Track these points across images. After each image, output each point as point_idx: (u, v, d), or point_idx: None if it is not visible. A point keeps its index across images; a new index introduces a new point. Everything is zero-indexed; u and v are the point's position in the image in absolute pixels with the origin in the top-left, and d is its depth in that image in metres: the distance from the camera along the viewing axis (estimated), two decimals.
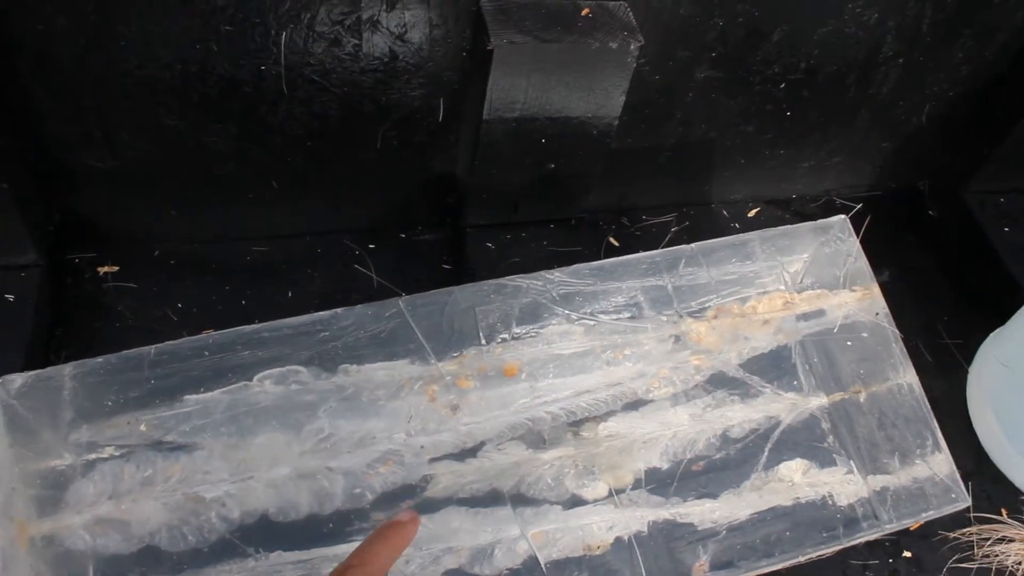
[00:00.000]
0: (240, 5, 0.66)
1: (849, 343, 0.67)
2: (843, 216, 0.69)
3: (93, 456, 0.56)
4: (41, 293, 0.75)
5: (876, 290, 0.67)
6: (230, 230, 0.83)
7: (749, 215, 0.95)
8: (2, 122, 0.69)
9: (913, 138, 0.94)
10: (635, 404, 0.63)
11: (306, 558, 0.57)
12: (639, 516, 0.62)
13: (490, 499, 0.60)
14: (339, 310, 0.60)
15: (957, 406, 0.87)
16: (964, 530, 0.81)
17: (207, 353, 0.58)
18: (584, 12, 0.69)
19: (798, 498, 0.64)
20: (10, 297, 0.74)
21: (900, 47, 0.83)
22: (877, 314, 0.66)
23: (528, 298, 0.62)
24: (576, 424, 0.62)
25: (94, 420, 0.56)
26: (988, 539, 0.80)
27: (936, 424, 0.65)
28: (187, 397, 0.57)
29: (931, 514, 0.66)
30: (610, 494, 0.62)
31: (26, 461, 0.55)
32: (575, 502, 0.61)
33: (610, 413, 0.62)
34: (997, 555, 0.80)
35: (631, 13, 0.71)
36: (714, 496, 0.63)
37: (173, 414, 0.57)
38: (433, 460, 0.59)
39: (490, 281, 0.62)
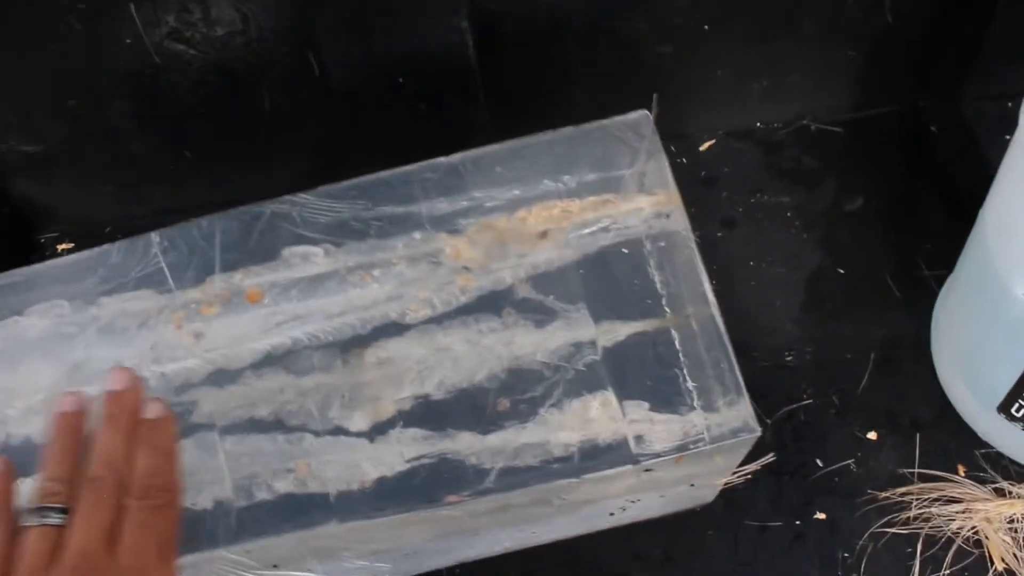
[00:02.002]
0: None
1: (645, 258, 0.58)
2: (643, 111, 0.60)
3: None
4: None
5: (675, 193, 0.58)
6: (166, 203, 0.88)
7: (701, 149, 0.85)
8: None
9: (884, 43, 0.79)
10: (396, 328, 0.59)
11: None
12: (400, 452, 0.57)
13: (251, 427, 0.59)
14: (106, 246, 0.62)
15: (925, 348, 0.72)
16: (899, 489, 0.67)
17: None
18: None
19: (594, 436, 0.56)
20: None
21: None
22: (668, 216, 0.57)
23: (269, 223, 0.60)
24: (345, 350, 0.59)
25: None
26: (929, 500, 0.66)
27: (736, 365, 0.55)
28: None
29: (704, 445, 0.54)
30: (373, 426, 0.58)
31: None
32: (338, 433, 0.59)
33: (372, 338, 0.59)
34: (935, 519, 0.65)
35: None
36: (489, 432, 0.57)
37: None
38: (190, 387, 0.59)
39: (238, 208, 0.61)
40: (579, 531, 0.66)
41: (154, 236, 0.62)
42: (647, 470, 0.54)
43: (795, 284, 0.76)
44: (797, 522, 0.67)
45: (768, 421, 0.70)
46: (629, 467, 0.54)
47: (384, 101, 0.76)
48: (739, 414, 0.55)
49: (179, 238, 0.62)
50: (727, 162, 0.83)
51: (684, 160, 0.84)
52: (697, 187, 0.82)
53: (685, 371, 0.56)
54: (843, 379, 0.72)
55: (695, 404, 0.55)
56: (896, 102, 0.85)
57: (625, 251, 0.57)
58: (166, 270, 0.61)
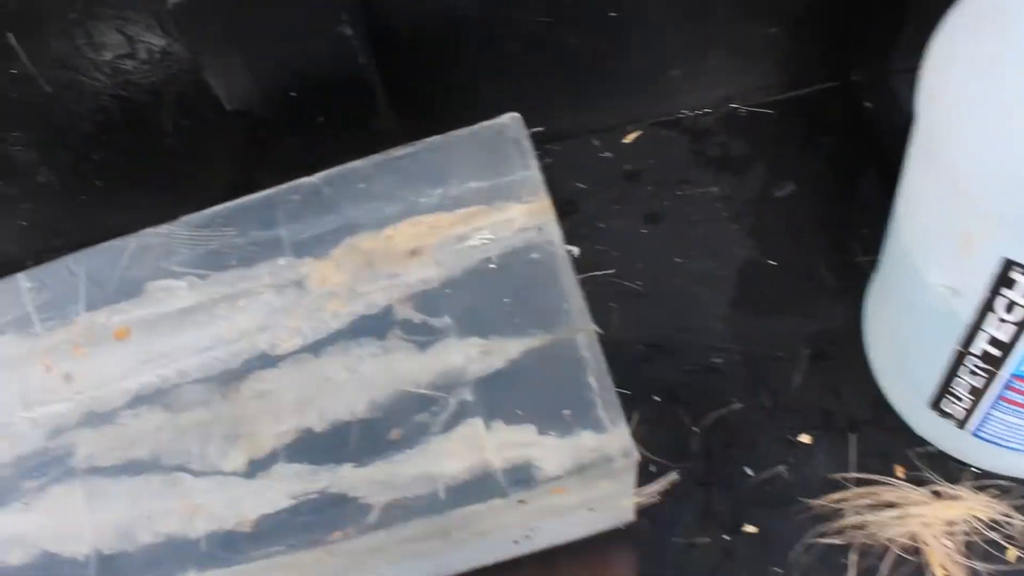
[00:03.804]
0: None
1: (517, 273, 0.53)
2: (513, 114, 0.55)
3: None
4: None
5: (547, 202, 0.53)
6: (83, 233, 0.83)
7: (625, 141, 0.79)
8: None
9: (808, 18, 0.73)
10: (270, 360, 0.54)
11: None
12: (282, 488, 0.53)
13: (128, 469, 0.55)
14: None
15: (860, 341, 0.67)
16: (833, 495, 0.61)
17: None
18: None
19: (483, 463, 0.52)
20: None
21: None
22: (540, 228, 0.52)
23: (135, 257, 0.56)
24: (223, 383, 0.55)
25: None
26: (864, 506, 0.60)
27: (597, 396, 0.50)
28: None
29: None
30: (253, 464, 0.54)
31: None
32: (218, 472, 0.54)
33: (246, 370, 0.55)
34: (870, 526, 0.59)
35: None
36: (373, 463, 0.53)
37: None
38: (61, 431, 0.55)
39: (105, 243, 0.57)
40: (489, 560, 0.61)
41: (21, 277, 0.58)
42: (521, 501, 0.50)
43: (723, 279, 0.71)
44: (726, 537, 0.61)
45: (695, 429, 0.65)
46: (498, 500, 0.49)
47: (280, 117, 0.71)
48: (617, 438, 0.50)
49: (48, 277, 0.58)
50: (652, 153, 0.78)
51: (608, 154, 0.79)
52: (621, 182, 0.77)
53: (565, 392, 0.51)
54: (774, 379, 0.66)
55: (575, 428, 0.51)
56: (829, 79, 0.79)
57: (494, 266, 0.52)
58: (32, 312, 0.57)
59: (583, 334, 0.51)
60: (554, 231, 0.52)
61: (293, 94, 0.70)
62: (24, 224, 0.84)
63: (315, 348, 0.54)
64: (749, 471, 0.63)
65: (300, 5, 0.66)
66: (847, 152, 0.75)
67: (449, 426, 0.53)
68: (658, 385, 0.68)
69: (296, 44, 0.67)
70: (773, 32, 0.74)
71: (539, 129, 0.69)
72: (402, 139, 0.77)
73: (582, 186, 0.77)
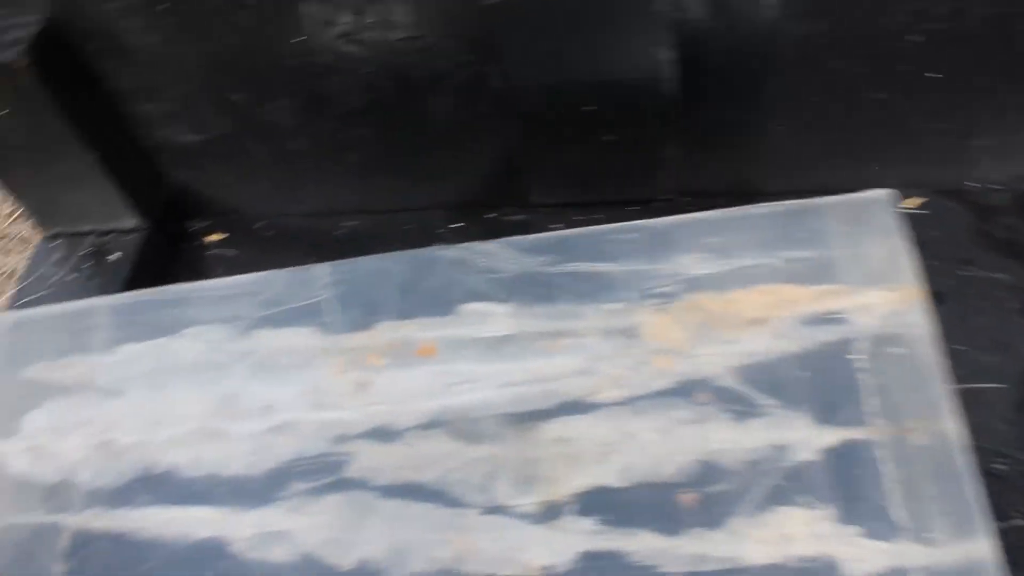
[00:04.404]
0: None
1: (878, 363, 0.49)
2: (889, 190, 0.51)
3: (45, 392, 0.58)
4: (143, 253, 0.80)
5: (917, 291, 0.49)
6: (321, 205, 0.83)
7: (905, 205, 0.74)
8: (93, 100, 0.75)
9: None
10: (581, 406, 0.51)
11: (211, 520, 0.54)
12: (573, 542, 0.50)
13: (408, 491, 0.53)
14: (266, 273, 0.56)
15: None
16: None
17: (148, 307, 0.58)
18: None
19: (792, 555, 0.48)
20: (116, 255, 0.80)
21: None
22: (906, 315, 0.48)
23: (455, 270, 0.53)
24: (520, 421, 0.52)
25: (52, 358, 0.59)
26: None
27: (979, 495, 0.46)
28: (122, 346, 0.57)
29: None
30: (545, 509, 0.51)
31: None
32: (504, 511, 0.52)
33: (549, 412, 0.52)
34: None
35: None
36: (674, 533, 0.50)
37: (109, 360, 0.57)
38: (346, 439, 0.53)
39: (413, 251, 0.54)
40: None
41: (321, 269, 0.56)
42: None
43: (1009, 376, 0.66)
44: None
45: None
46: None
47: (568, 126, 0.68)
48: (970, 553, 0.46)
49: (348, 275, 0.56)
50: (935, 225, 0.73)
51: None
52: None
53: (906, 492, 0.48)
54: None
55: (915, 533, 0.47)
56: None
57: (849, 351, 0.49)
58: (332, 310, 0.55)
59: (942, 431, 0.47)
60: (922, 320, 0.48)
61: (590, 107, 0.67)
62: (265, 186, 0.82)
63: (630, 402, 0.51)
64: None
65: (623, 19, 0.63)
66: None
67: (760, 508, 0.49)
68: None
69: (612, 58, 0.63)
70: None
71: None
72: (682, 173, 0.73)
73: None
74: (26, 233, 1.49)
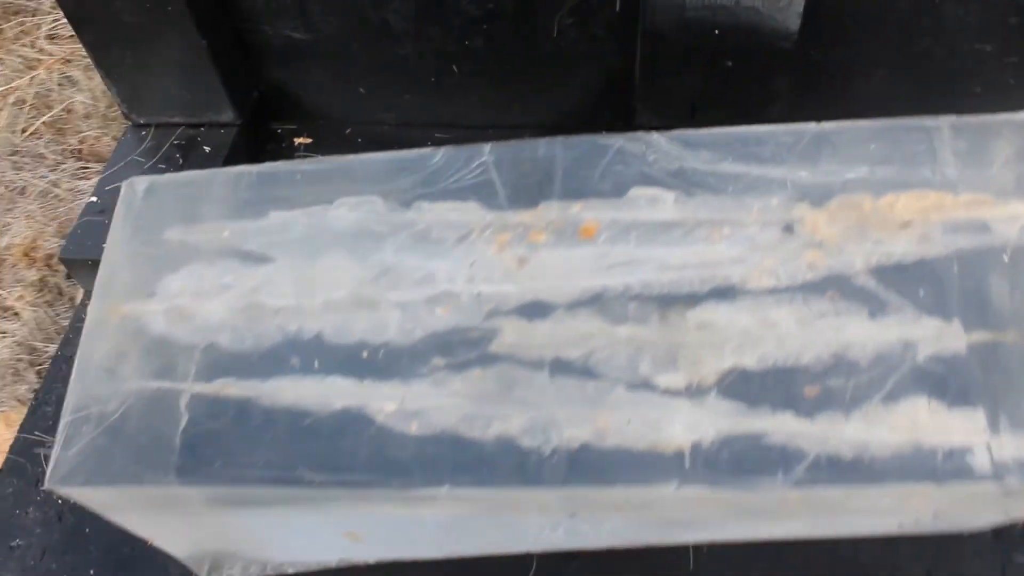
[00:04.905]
0: None
1: (1017, 271, 0.52)
2: None
3: (184, 255, 0.58)
4: (234, 148, 0.80)
5: None
6: (415, 115, 0.83)
7: None
8: None
9: None
10: (727, 292, 0.54)
11: (355, 389, 0.55)
12: (715, 421, 0.52)
13: (553, 367, 0.54)
14: (427, 149, 0.57)
15: None
16: None
17: (299, 177, 0.58)
18: None
19: (917, 442, 0.51)
20: (207, 148, 0.80)
21: None
22: None
23: (620, 158, 0.55)
24: (663, 305, 0.54)
25: (193, 223, 0.59)
26: None
27: None
28: (272, 213, 0.58)
29: None
30: (688, 389, 0.53)
31: (132, 253, 0.59)
32: (647, 389, 0.54)
33: (697, 297, 0.54)
34: None
35: None
36: (808, 416, 0.52)
37: (256, 226, 0.57)
38: (497, 314, 0.55)
39: (583, 136, 0.56)
40: (866, 532, 0.61)
41: (485, 147, 0.57)
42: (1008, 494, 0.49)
43: None
44: None
45: None
46: (990, 482, 0.48)
47: (690, 49, 0.70)
48: None
49: (512, 155, 0.57)
50: None
51: None
52: None
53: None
54: None
55: None
56: None
57: (995, 256, 0.51)
58: (498, 184, 0.56)
59: None
60: None
61: (716, 31, 0.69)
62: (361, 91, 0.82)
63: (776, 292, 0.54)
64: None
65: None
66: None
67: (892, 399, 0.52)
68: None
69: None
70: None
71: None
72: (791, 104, 0.76)
73: None
74: (42, 150, 1.46)
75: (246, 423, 0.54)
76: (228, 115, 0.80)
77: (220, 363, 0.56)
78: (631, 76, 0.75)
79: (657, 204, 0.54)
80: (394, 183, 0.57)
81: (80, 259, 0.76)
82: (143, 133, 0.82)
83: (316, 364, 0.55)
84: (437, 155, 0.57)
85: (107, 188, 0.79)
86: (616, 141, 0.55)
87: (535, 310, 0.55)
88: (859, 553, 0.63)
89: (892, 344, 0.52)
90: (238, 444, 0.53)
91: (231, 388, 0.55)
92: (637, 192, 0.54)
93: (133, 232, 0.59)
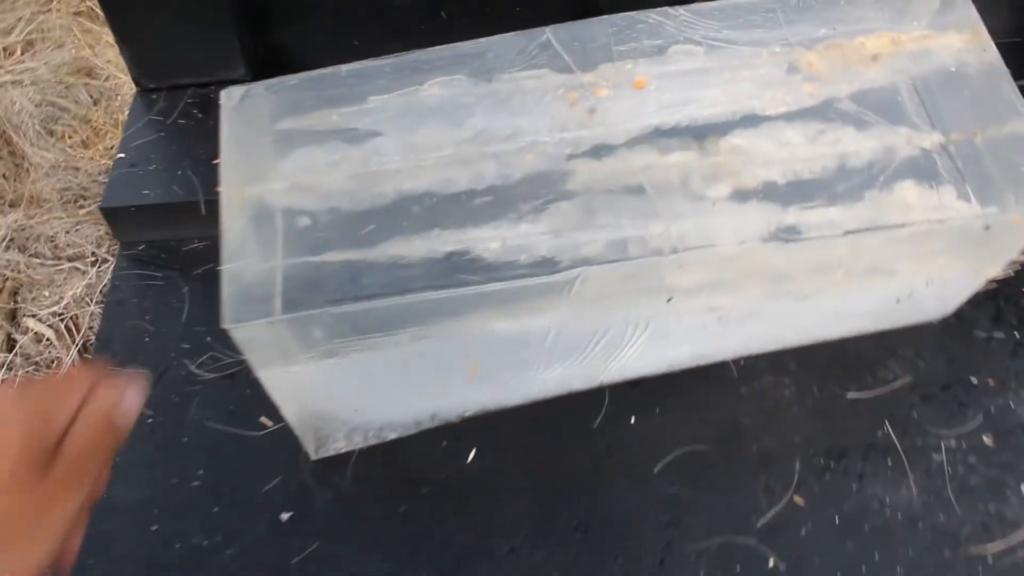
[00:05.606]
0: None
1: (960, 85, 0.69)
2: None
3: (295, 141, 0.66)
4: None
5: (984, 34, 0.70)
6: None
7: None
8: None
9: None
10: (751, 120, 0.68)
11: (462, 237, 0.64)
12: (761, 218, 0.66)
13: (622, 191, 0.66)
14: (494, 37, 0.68)
15: None
16: None
17: (387, 70, 0.68)
18: None
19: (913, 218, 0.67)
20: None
21: None
22: (985, 50, 0.69)
23: (656, 27, 0.69)
24: (701, 135, 0.68)
25: (296, 114, 0.67)
26: None
27: None
28: (371, 98, 0.67)
29: None
30: (733, 196, 0.66)
31: (245, 146, 0.66)
32: (701, 199, 0.66)
33: (730, 127, 0.68)
34: None
35: None
36: (833, 205, 0.67)
37: (359, 110, 0.67)
38: (572, 157, 0.66)
39: (624, 14, 0.69)
40: (844, 331, 0.76)
41: (540, 31, 0.69)
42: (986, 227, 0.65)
43: None
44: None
45: None
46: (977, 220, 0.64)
47: None
48: None
49: (568, 32, 0.69)
50: None
51: None
52: None
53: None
54: None
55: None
56: None
57: (942, 75, 0.69)
58: (564, 55, 0.68)
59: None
60: (994, 55, 0.69)
61: None
62: (357, 45, 0.91)
63: (790, 117, 0.69)
64: None
65: None
66: None
67: (886, 187, 0.68)
68: None
69: None
70: None
71: None
72: None
73: None
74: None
75: (377, 272, 0.62)
76: (240, 71, 0.87)
77: (341, 225, 0.64)
78: None
79: (691, 57, 0.68)
80: (470, 65, 0.68)
81: (122, 207, 0.80)
82: (153, 97, 0.87)
83: (428, 217, 0.64)
84: (502, 40, 0.68)
85: (132, 145, 0.84)
86: (650, 16, 0.69)
87: (603, 151, 0.67)
88: (860, 345, 0.77)
89: (877, 150, 0.68)
90: (374, 279, 0.61)
91: (358, 247, 0.63)
92: (675, 49, 0.68)
93: (244, 128, 0.66)
